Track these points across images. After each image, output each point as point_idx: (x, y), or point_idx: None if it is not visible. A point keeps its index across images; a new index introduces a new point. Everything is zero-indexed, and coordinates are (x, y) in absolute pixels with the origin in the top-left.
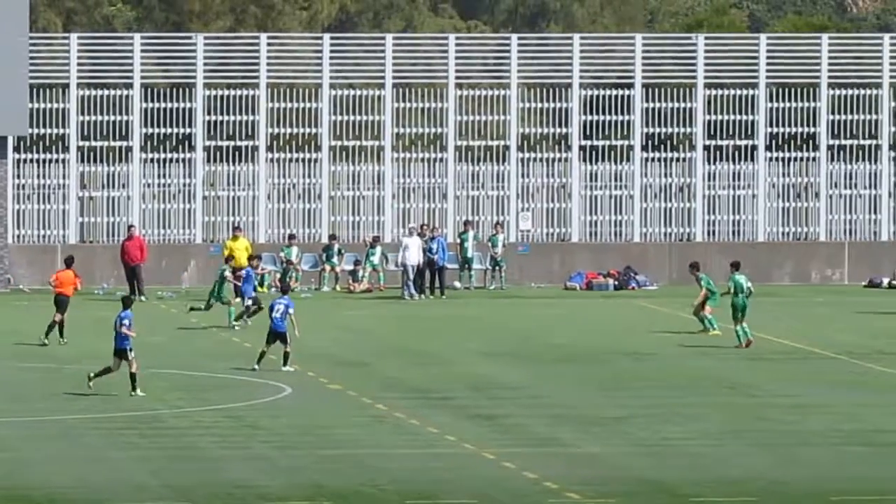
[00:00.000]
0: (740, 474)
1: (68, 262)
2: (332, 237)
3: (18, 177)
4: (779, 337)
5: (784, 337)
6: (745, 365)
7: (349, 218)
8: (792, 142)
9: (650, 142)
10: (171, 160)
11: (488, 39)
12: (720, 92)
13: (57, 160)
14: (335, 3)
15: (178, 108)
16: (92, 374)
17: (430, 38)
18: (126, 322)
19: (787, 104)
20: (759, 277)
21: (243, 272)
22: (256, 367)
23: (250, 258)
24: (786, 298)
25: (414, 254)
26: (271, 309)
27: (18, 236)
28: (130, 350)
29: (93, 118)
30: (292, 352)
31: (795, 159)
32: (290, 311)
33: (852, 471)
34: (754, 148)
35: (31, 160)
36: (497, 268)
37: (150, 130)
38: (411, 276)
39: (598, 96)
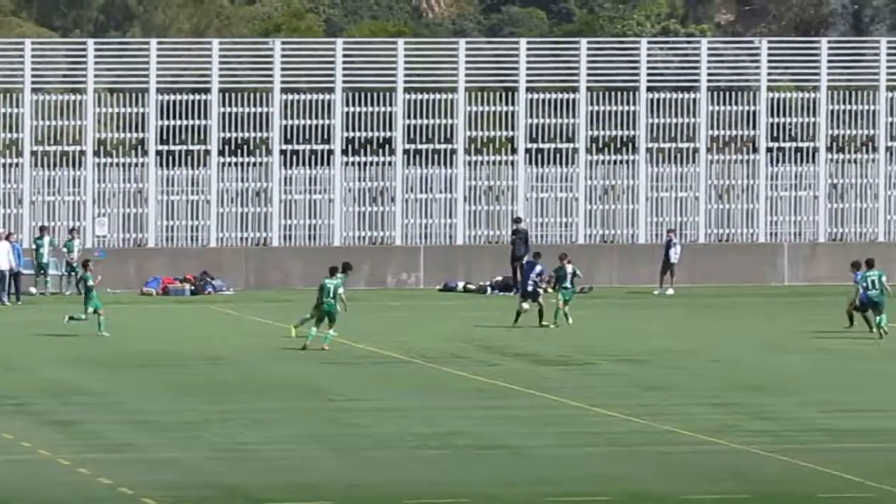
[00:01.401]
0: (316, 478)
1: None
2: None
3: None
4: (355, 341)
5: (360, 341)
6: (322, 369)
7: None
8: (368, 146)
9: (227, 146)
10: None
11: (63, 44)
12: (298, 97)
13: None
14: None
15: None
16: None
17: (6, 44)
18: None
19: (364, 108)
20: None
21: None
22: None
23: None
24: (362, 302)
25: (3, 259)
26: None
27: None
28: None
29: None
30: None
31: (372, 164)
32: None
33: (427, 474)
34: (331, 152)
35: None
36: (72, 273)
37: None
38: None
39: (175, 101)
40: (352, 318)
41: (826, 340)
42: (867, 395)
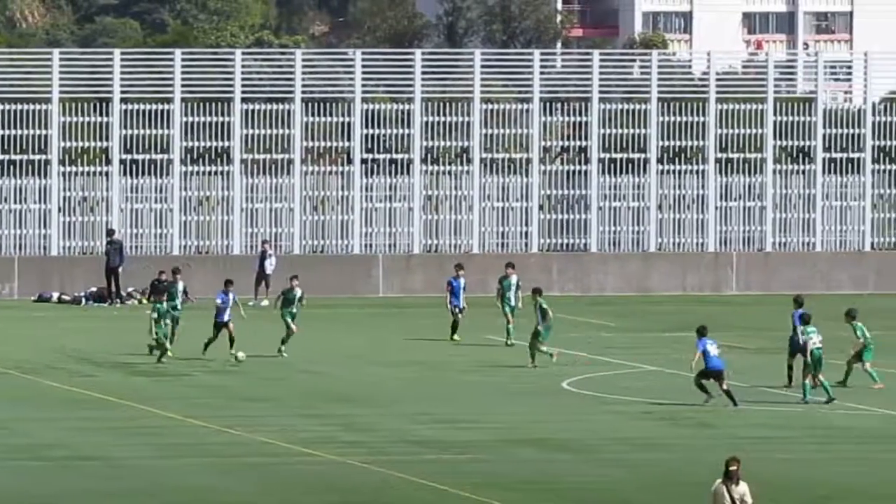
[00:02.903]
0: None
1: None
2: None
3: None
4: None
5: None
6: None
7: None
8: None
9: None
10: None
11: None
12: None
13: None
14: None
15: None
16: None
17: None
18: None
19: None
20: None
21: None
22: None
23: None
24: None
25: None
26: None
27: None
28: None
29: None
30: None
31: None
32: None
33: (22, 486)
34: None
35: None
36: None
37: None
38: None
39: None
40: None
41: (420, 351)
42: (460, 405)
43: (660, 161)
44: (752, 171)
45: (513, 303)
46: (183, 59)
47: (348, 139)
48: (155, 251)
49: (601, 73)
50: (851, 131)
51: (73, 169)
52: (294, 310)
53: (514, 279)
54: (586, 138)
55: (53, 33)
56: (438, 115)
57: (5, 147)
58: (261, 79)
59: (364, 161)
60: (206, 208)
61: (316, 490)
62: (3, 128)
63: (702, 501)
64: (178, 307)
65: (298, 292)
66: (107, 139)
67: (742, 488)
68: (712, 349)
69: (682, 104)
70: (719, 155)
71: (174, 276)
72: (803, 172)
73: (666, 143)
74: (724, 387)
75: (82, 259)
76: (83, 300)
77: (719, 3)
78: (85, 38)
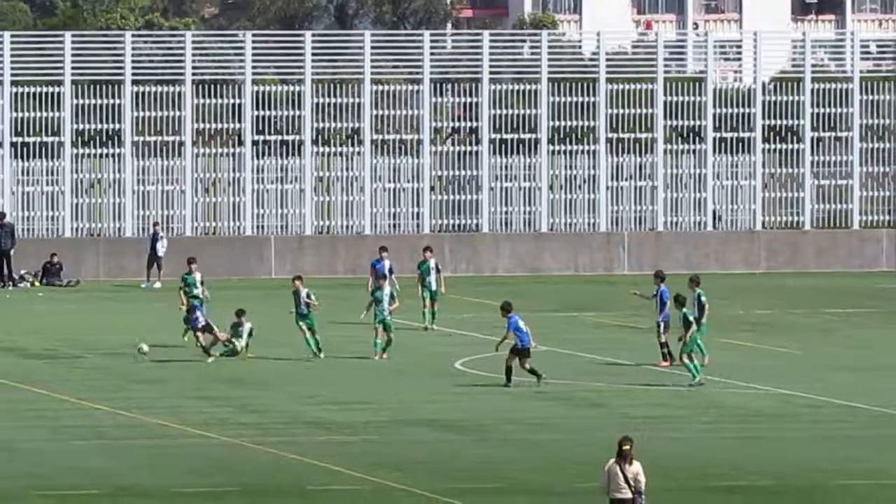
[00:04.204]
0: None
1: None
2: None
3: None
4: None
5: None
6: None
7: None
8: None
9: None
10: None
11: None
12: None
13: None
14: None
15: None
16: None
17: None
18: None
19: None
20: None
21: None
22: None
23: None
24: None
25: None
26: None
27: None
28: None
29: None
30: None
31: None
32: None
33: None
34: None
35: None
36: None
37: None
38: None
39: None
40: None
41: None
42: (354, 387)
43: (551, 141)
44: (643, 151)
45: (433, 287)
46: (73, 42)
47: (239, 121)
48: (47, 234)
49: (491, 53)
50: (741, 111)
51: None
52: (304, 310)
53: (432, 263)
54: (477, 119)
55: None
56: (329, 96)
57: None
58: (151, 61)
59: (255, 143)
60: (97, 191)
61: (207, 471)
62: None
63: (595, 481)
64: (199, 296)
65: (304, 292)
66: None
67: (635, 467)
68: (523, 325)
69: (572, 84)
70: (610, 135)
71: (189, 267)
72: (694, 152)
73: (556, 124)
74: (527, 366)
75: None
76: None
77: None
78: None
